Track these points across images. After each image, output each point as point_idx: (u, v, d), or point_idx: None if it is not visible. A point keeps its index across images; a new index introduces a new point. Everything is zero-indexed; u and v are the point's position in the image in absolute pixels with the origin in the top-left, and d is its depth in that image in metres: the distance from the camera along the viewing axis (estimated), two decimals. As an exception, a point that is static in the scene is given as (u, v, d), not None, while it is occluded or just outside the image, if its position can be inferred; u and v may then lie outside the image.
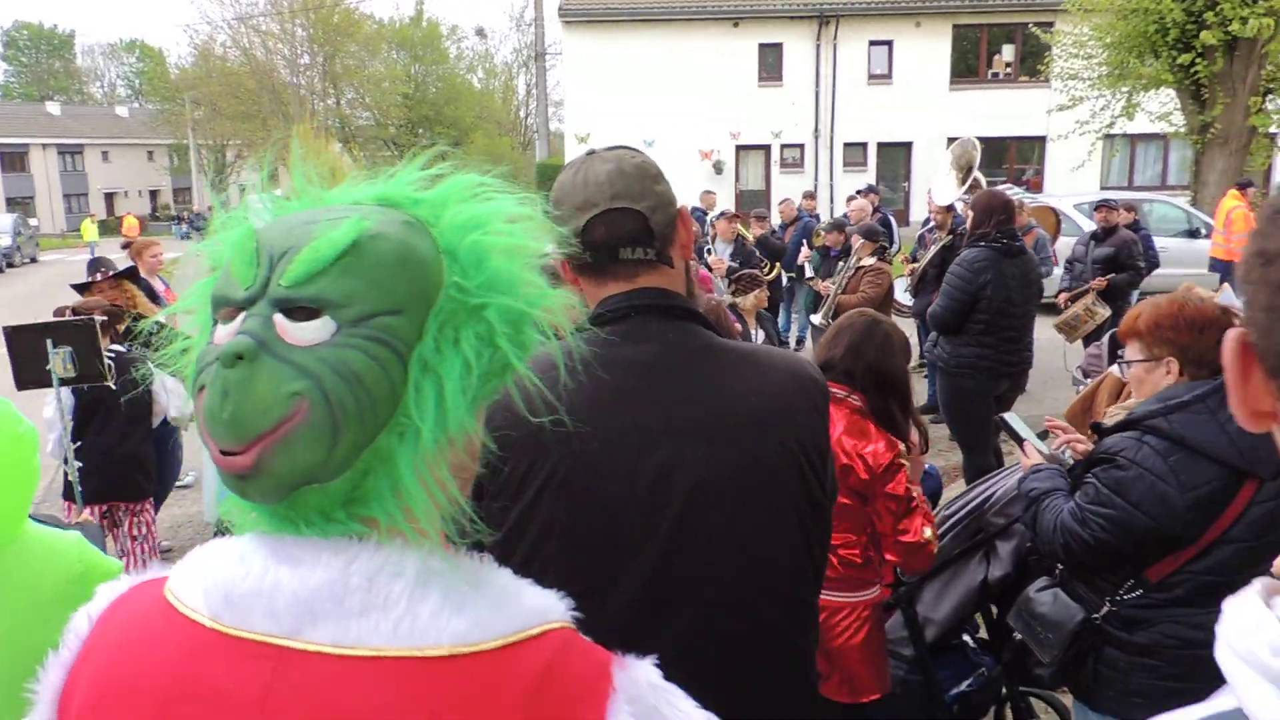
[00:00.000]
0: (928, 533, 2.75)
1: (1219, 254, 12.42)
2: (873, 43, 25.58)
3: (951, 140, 25.85)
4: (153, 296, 6.71)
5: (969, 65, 26.26)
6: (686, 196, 22.46)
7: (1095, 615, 2.42)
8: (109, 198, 58.49)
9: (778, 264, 10.78)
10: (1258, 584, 0.72)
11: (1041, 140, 22.75)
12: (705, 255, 9.90)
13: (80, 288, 5.26)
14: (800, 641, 1.66)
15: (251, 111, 48.38)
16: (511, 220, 0.96)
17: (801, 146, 26.21)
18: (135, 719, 0.82)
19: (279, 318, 0.81)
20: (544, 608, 0.91)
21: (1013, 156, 26.49)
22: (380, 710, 0.77)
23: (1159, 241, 13.84)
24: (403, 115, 55.67)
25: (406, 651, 0.78)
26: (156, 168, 61.28)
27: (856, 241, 7.99)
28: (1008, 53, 25.84)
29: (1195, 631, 2.28)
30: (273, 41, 49.99)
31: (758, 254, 10.28)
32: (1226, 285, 5.95)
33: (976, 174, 8.79)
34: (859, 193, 12.44)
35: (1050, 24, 21.31)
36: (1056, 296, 9.12)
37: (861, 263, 7.83)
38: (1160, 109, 19.02)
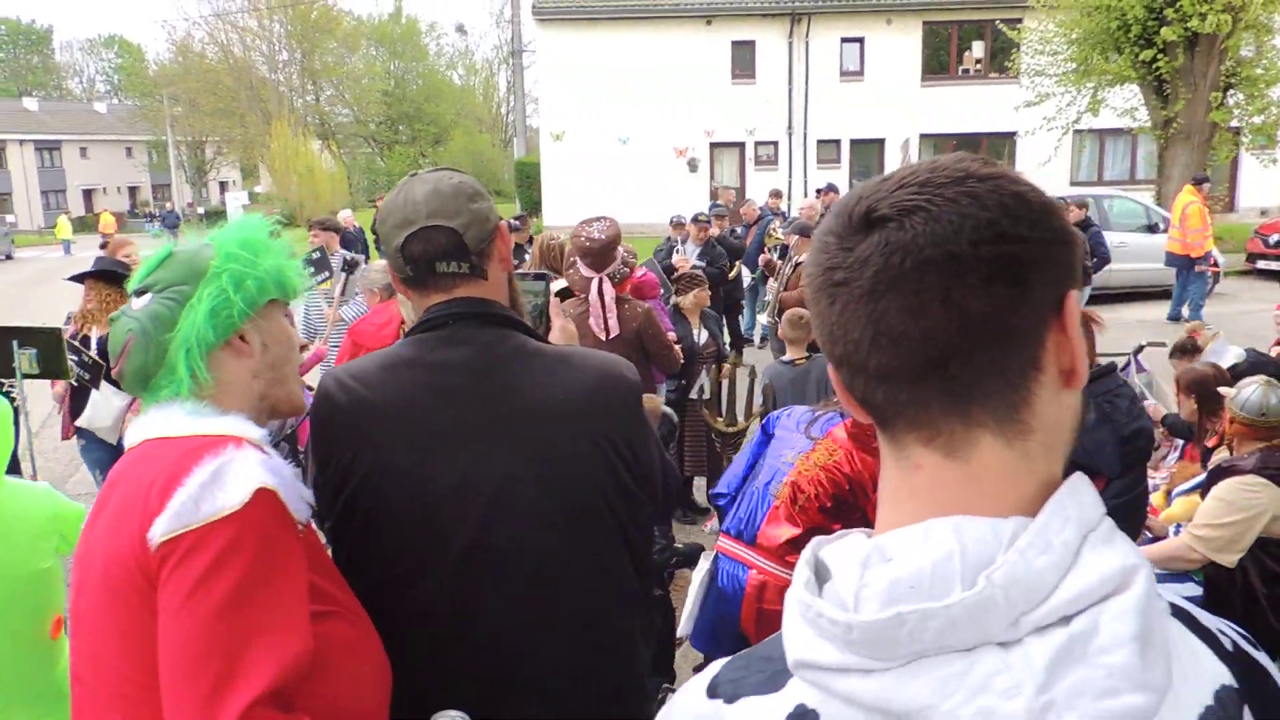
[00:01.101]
0: None
1: (1175, 249, 12.62)
2: (844, 40, 25.72)
3: (924, 136, 26.16)
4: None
5: (940, 62, 26.45)
6: (663, 193, 22.55)
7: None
8: (87, 194, 58.11)
9: (737, 262, 10.91)
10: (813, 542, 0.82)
11: (1012, 136, 22.99)
12: (675, 254, 10.04)
13: (78, 278, 5.49)
14: (619, 620, 1.81)
15: (230, 108, 48.24)
16: (258, 240, 1.58)
17: (775, 144, 26.35)
18: None
19: (133, 299, 1.53)
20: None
21: (984, 152, 26.58)
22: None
23: (1118, 236, 14.12)
24: (382, 112, 55.55)
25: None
26: (135, 164, 60.91)
27: (793, 239, 8.16)
28: (978, 49, 26.03)
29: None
30: (250, 38, 49.82)
31: (724, 254, 10.41)
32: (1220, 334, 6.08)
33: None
34: (818, 191, 12.58)
35: (1019, 20, 21.52)
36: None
37: (800, 259, 7.96)
38: (1125, 104, 19.28)
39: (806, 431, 3.06)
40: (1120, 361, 6.43)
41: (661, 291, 5.86)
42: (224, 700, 1.24)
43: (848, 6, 25.46)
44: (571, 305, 5.31)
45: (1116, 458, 2.38)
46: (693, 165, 26.22)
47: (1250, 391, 3.83)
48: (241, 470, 1.36)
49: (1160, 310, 12.77)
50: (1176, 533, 3.96)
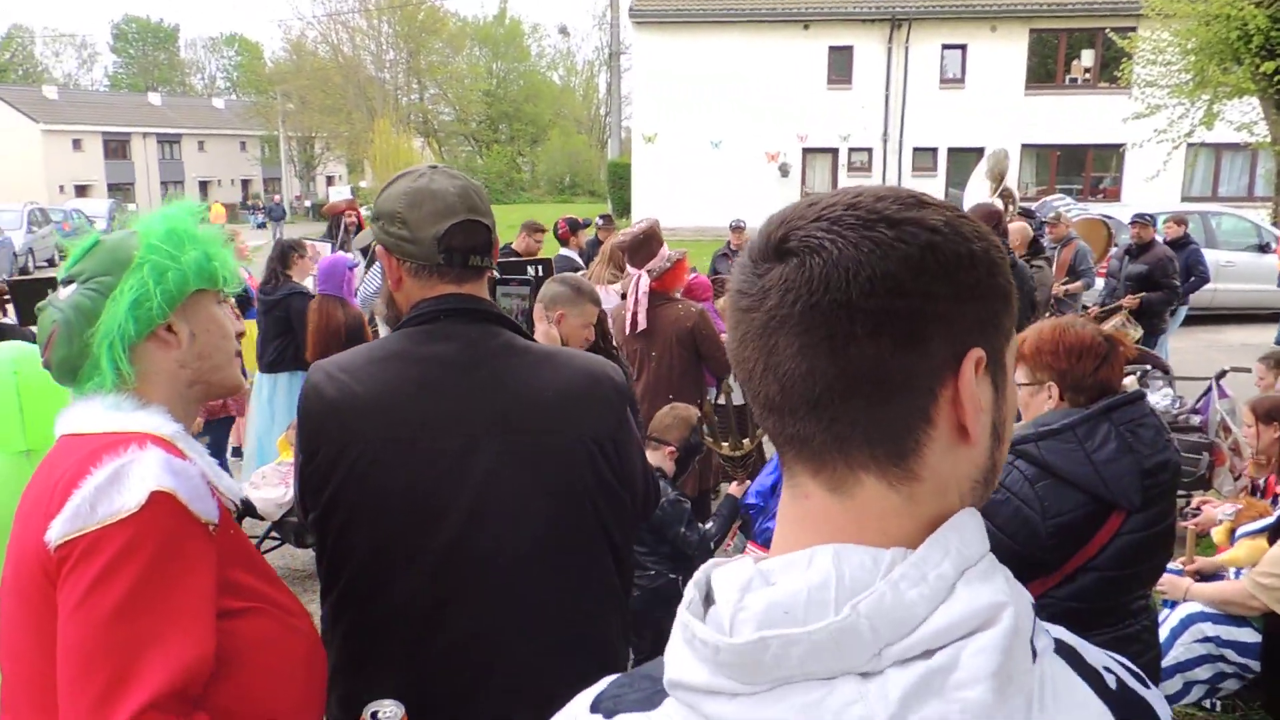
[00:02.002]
0: None
1: None
2: (946, 46, 25.11)
3: (1026, 146, 25.38)
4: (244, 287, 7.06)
5: (1046, 70, 25.59)
6: (753, 198, 22.38)
7: (967, 637, 2.43)
8: (203, 185, 60.64)
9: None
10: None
11: (1119, 148, 22.08)
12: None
13: None
14: (600, 620, 1.81)
15: (338, 105, 49.74)
16: (183, 230, 1.55)
17: (870, 150, 25.89)
18: None
19: (60, 288, 1.51)
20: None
21: (1090, 164, 25.75)
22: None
23: (1225, 255, 13.43)
24: (483, 111, 56.57)
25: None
26: (248, 158, 63.33)
27: None
28: (1087, 58, 25.10)
29: (1058, 658, 2.28)
30: (360, 37, 51.30)
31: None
32: None
33: (1007, 184, 8.66)
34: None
35: (1132, 29, 20.65)
36: (1088, 312, 8.91)
37: None
38: (1243, 118, 18.31)
39: None
40: (1201, 387, 6.08)
41: (712, 299, 5.78)
42: (113, 706, 1.23)
43: (950, 13, 24.86)
44: (619, 306, 5.30)
45: (1137, 490, 2.20)
46: (784, 170, 25.95)
47: None
48: (140, 472, 1.34)
49: (1268, 334, 12.05)
50: (1237, 575, 3.70)
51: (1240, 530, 4.00)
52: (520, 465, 1.69)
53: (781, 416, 0.74)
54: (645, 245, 5.10)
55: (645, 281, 5.16)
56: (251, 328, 7.02)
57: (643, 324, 5.14)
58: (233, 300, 1.70)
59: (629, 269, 5.36)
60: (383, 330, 5.76)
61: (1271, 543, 3.57)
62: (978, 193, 8.84)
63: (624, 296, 5.44)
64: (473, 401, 1.69)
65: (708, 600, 0.75)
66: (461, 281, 1.75)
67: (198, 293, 1.55)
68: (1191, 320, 12.94)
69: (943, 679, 0.65)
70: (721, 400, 5.24)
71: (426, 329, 1.73)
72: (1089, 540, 2.24)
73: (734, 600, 0.71)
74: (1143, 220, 8.91)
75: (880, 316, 0.69)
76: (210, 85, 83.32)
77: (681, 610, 0.73)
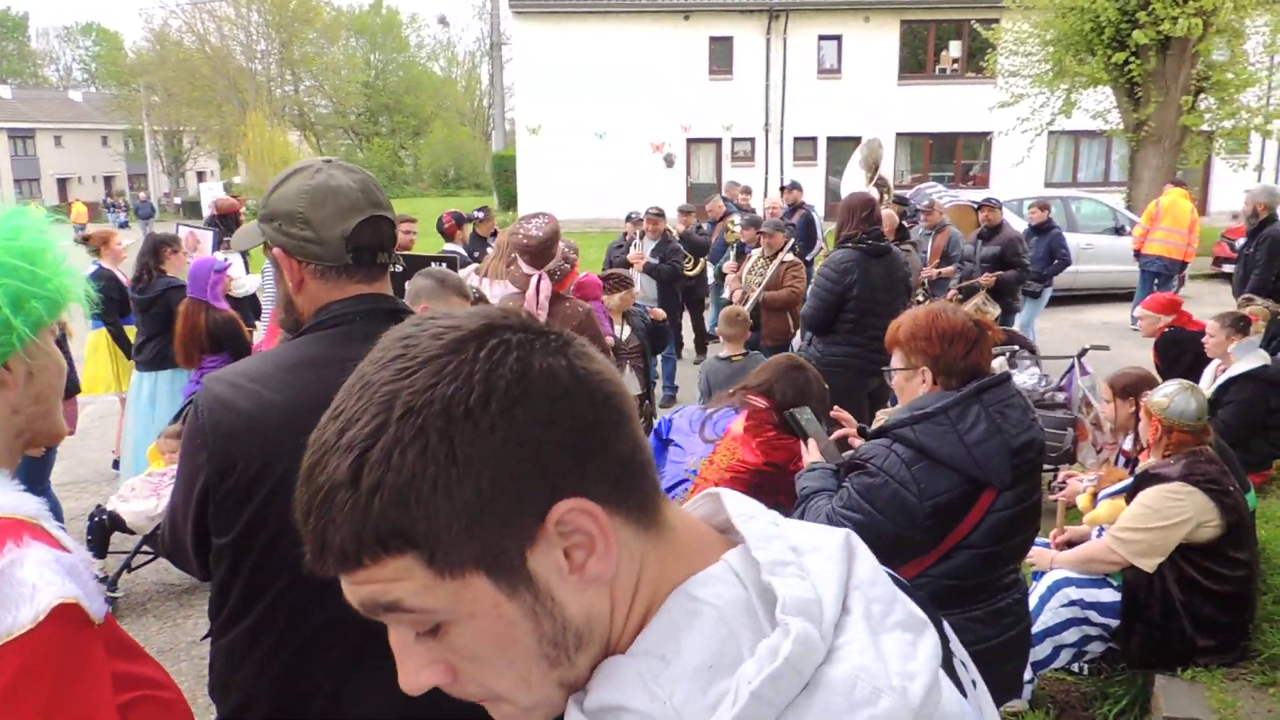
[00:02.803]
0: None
1: (1168, 252, 12.21)
2: (822, 37, 25.70)
3: (900, 135, 26.18)
4: (121, 290, 6.67)
5: (917, 60, 26.46)
6: (639, 189, 22.43)
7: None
8: (62, 183, 57.44)
9: (702, 259, 10.83)
10: None
11: (987, 136, 23.03)
12: (632, 250, 9.94)
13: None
14: None
15: (206, 97, 47.77)
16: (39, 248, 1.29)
17: (752, 140, 26.31)
18: None
19: None
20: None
21: (960, 152, 26.76)
22: None
23: (1085, 238, 14.13)
24: (362, 103, 55.16)
25: None
26: (111, 153, 60.28)
27: (777, 239, 8.06)
28: (955, 49, 26.06)
29: (937, 633, 2.36)
30: (228, 26, 49.34)
31: (682, 250, 10.33)
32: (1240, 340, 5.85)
33: (882, 173, 8.93)
34: (781, 189, 12.51)
35: (995, 20, 21.51)
36: (947, 296, 9.30)
37: (787, 258, 7.97)
38: (1098, 106, 19.31)
39: (701, 434, 2.98)
40: (1065, 365, 6.39)
41: (603, 297, 5.80)
42: None
43: (826, 4, 25.44)
44: (514, 301, 5.25)
45: (1007, 469, 2.30)
46: (669, 161, 26.13)
47: (1181, 399, 3.78)
48: (30, 579, 1.14)
49: (1123, 313, 12.77)
50: (1099, 535, 3.92)
51: (1102, 493, 4.23)
52: None
53: None
54: (550, 247, 5.06)
55: (547, 285, 5.10)
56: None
57: (544, 326, 5.10)
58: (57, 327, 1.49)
59: (524, 268, 5.31)
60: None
61: (1129, 502, 3.79)
62: (854, 182, 9.08)
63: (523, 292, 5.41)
64: None
65: None
66: (371, 280, 1.68)
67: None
68: (1055, 301, 13.57)
69: None
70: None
71: (343, 330, 1.64)
72: (963, 519, 2.33)
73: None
74: (990, 204, 9.35)
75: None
76: (66, 77, 78.84)
77: None
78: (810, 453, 2.77)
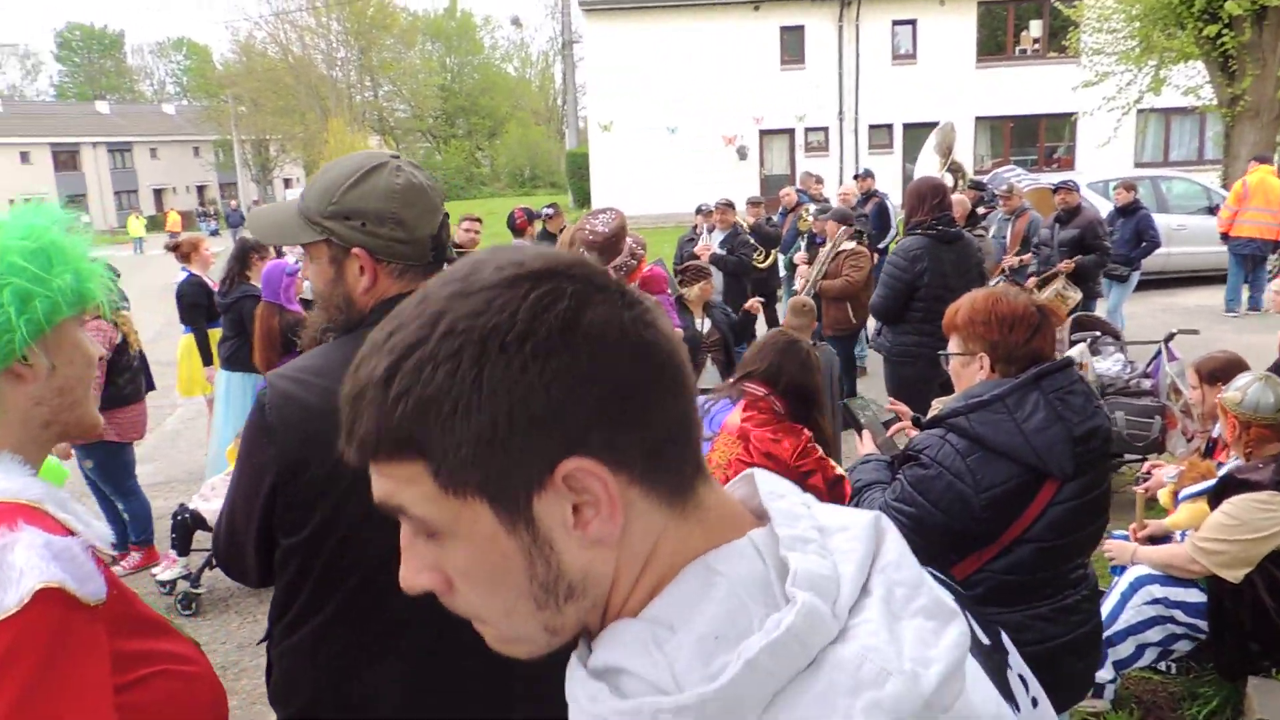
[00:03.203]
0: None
1: (1259, 232, 11.63)
2: (896, 22, 25.17)
3: (980, 119, 25.50)
4: (209, 295, 6.94)
5: (996, 42, 25.74)
6: (712, 182, 22.35)
7: (908, 613, 2.40)
8: (158, 194, 59.73)
9: (773, 251, 10.69)
10: None
11: (1070, 117, 22.27)
12: (701, 242, 9.87)
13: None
14: None
15: (290, 106, 49.11)
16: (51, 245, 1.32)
17: (826, 129, 25.93)
18: None
19: None
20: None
21: (1043, 134, 25.95)
22: None
23: (1177, 219, 13.56)
24: (438, 106, 56.05)
25: None
26: (202, 163, 62.44)
27: (825, 225, 7.96)
28: (1035, 28, 25.26)
29: (998, 631, 2.26)
30: (309, 36, 50.63)
31: (751, 241, 10.21)
32: None
33: (955, 157, 8.68)
34: (855, 177, 12.27)
35: (1077, -3, 20.79)
36: (1026, 284, 8.99)
37: (841, 247, 7.80)
38: (1189, 82, 18.50)
39: None
40: (1150, 350, 6.12)
41: (669, 290, 5.73)
42: None
43: (899, -12, 24.93)
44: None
45: (1069, 458, 2.18)
46: (741, 153, 25.93)
47: (1256, 392, 3.56)
48: (18, 563, 1.17)
49: (1218, 296, 12.21)
50: (1183, 538, 3.71)
51: (1183, 493, 4.01)
52: None
53: None
54: (616, 242, 5.04)
55: (614, 280, 5.10)
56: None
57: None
58: (106, 315, 1.54)
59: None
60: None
61: (1213, 506, 3.58)
62: (927, 167, 8.86)
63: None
64: None
65: None
66: (429, 275, 1.63)
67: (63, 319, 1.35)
68: (1145, 284, 13.05)
69: None
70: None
71: None
72: (1023, 511, 2.22)
73: None
74: (1067, 186, 9.00)
75: None
76: (160, 91, 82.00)
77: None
78: (865, 444, 2.68)
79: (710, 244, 9.64)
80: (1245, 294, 11.81)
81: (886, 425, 2.79)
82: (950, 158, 8.68)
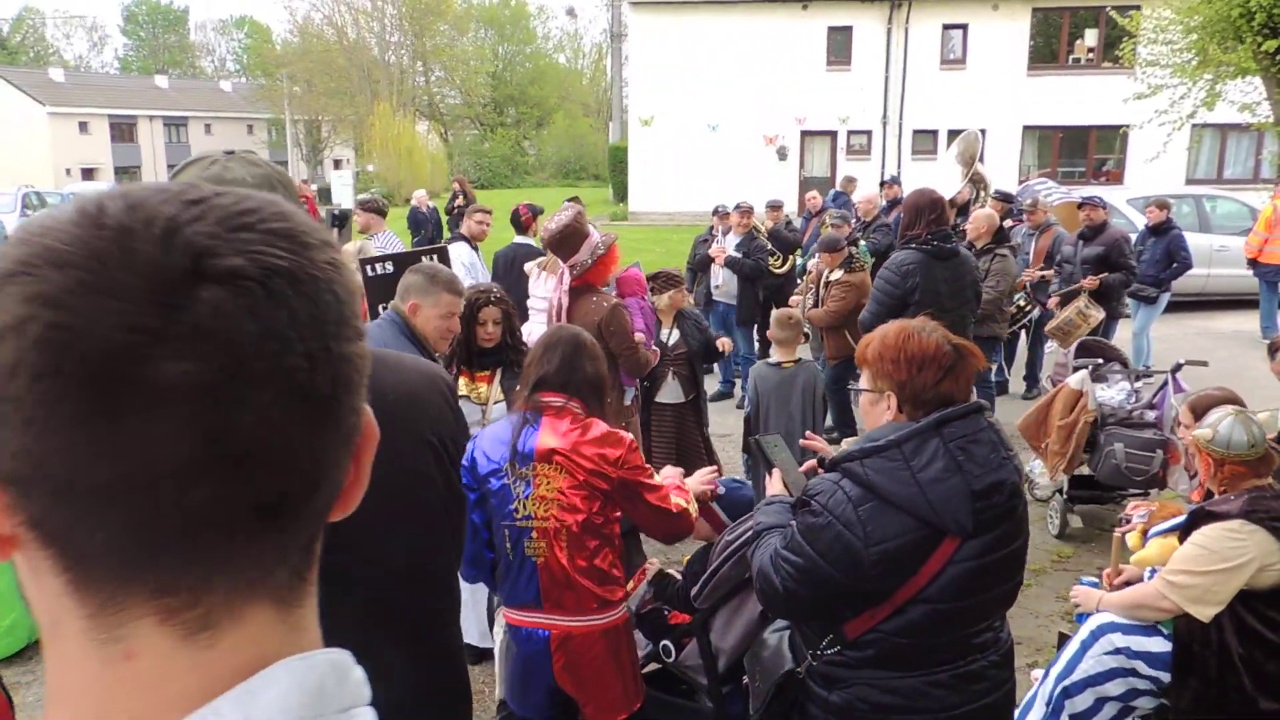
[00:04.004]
0: (679, 501, 2.88)
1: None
2: (947, 26, 24.65)
3: (1028, 128, 24.93)
4: None
5: (1050, 50, 25.11)
6: (751, 182, 22.12)
7: (799, 669, 2.23)
8: (210, 169, 60.66)
9: (791, 256, 10.47)
10: None
11: (1120, 130, 21.65)
12: (715, 245, 9.69)
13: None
14: (451, 629, 1.90)
15: (342, 88, 49.54)
16: None
17: (869, 133, 25.51)
18: None
19: None
20: None
21: (1092, 146, 25.29)
22: None
23: (1219, 240, 13.09)
24: (487, 94, 56.21)
25: None
26: (255, 141, 63.18)
27: (823, 258, 7.54)
28: (1090, 38, 24.60)
29: (887, 696, 2.08)
30: (364, 19, 51.00)
31: (769, 246, 10.00)
32: None
33: (978, 166, 8.37)
34: (881, 184, 11.99)
35: (1134, 7, 20.19)
36: (1049, 302, 8.68)
37: (834, 277, 7.43)
38: (1245, 98, 17.88)
39: (512, 470, 2.72)
40: (1157, 381, 5.83)
41: (647, 296, 5.54)
42: None
43: (951, -9, 24.42)
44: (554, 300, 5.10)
45: (967, 514, 1.99)
46: (782, 154, 25.60)
47: (1228, 429, 3.35)
48: None
49: (1256, 320, 11.75)
50: (1151, 578, 3.50)
51: (1152, 530, 3.79)
52: (377, 475, 1.51)
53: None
54: (568, 240, 4.89)
55: (567, 277, 4.96)
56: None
57: (563, 320, 4.94)
58: None
59: (559, 262, 5.17)
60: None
61: (1183, 541, 3.37)
62: (948, 177, 8.56)
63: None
64: None
65: None
66: None
67: None
68: (1182, 306, 12.63)
69: None
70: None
71: None
72: (918, 569, 2.03)
73: None
74: (1093, 202, 8.64)
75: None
76: (220, 68, 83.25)
77: None
78: (773, 484, 2.50)
79: (725, 246, 9.45)
80: (1282, 321, 11.37)
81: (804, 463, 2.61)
82: (974, 168, 8.36)
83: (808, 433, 2.78)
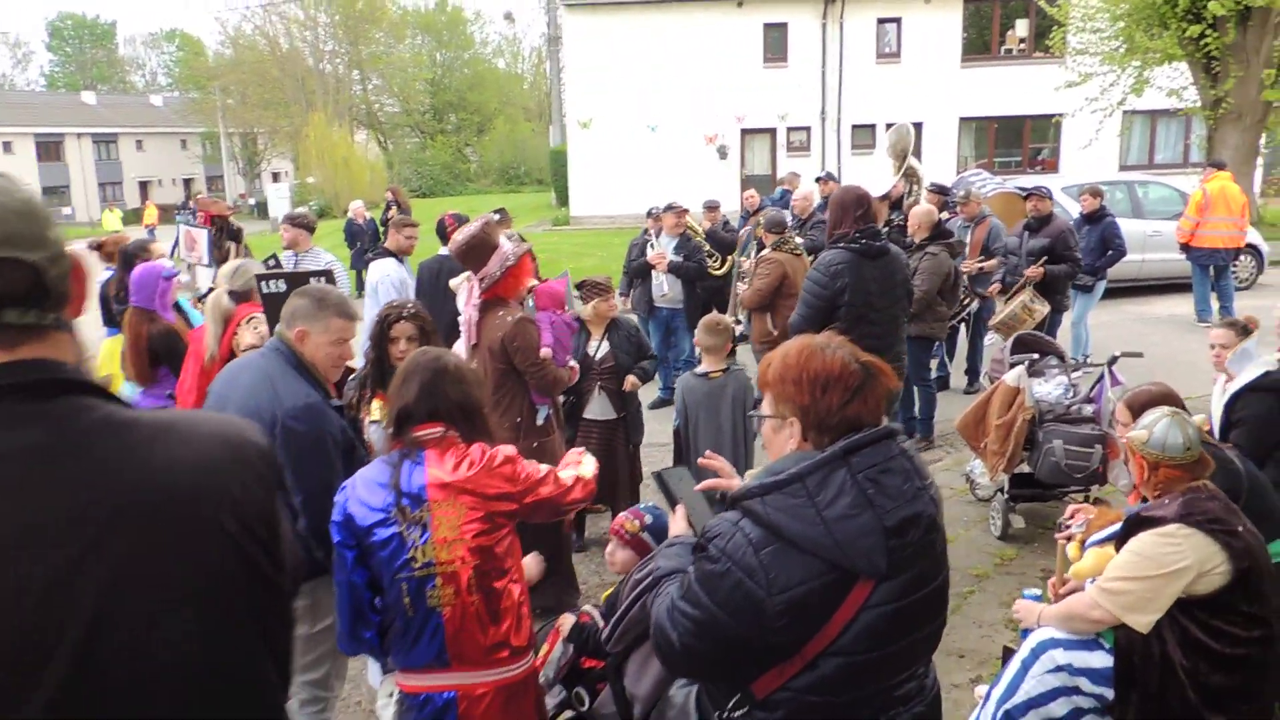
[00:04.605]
0: (566, 476, 2.78)
1: (1225, 242, 11.33)
2: (881, 20, 24.74)
3: (964, 119, 25.12)
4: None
5: (983, 41, 25.32)
6: (693, 182, 21.97)
7: (707, 730, 2.01)
8: (143, 186, 59.20)
9: (729, 257, 10.29)
10: None
11: (1054, 118, 21.87)
12: (649, 249, 9.47)
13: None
14: None
15: (277, 99, 48.58)
16: None
17: (808, 129, 25.50)
18: None
19: None
20: None
21: (1027, 135, 25.54)
22: None
23: (1152, 225, 13.17)
24: (426, 101, 55.52)
25: None
26: (190, 156, 61.85)
27: (768, 237, 7.54)
28: (1021, 28, 24.85)
29: (801, 760, 1.86)
30: (297, 28, 50.08)
31: (706, 246, 9.81)
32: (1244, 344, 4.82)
33: (911, 160, 8.23)
34: (817, 180, 11.87)
35: (1063, -3, 20.40)
36: (990, 291, 8.60)
37: (766, 251, 7.43)
38: (1172, 84, 18.14)
39: (400, 515, 2.49)
40: (1094, 374, 5.73)
41: (568, 308, 5.27)
42: None
43: (883, -15, 24.51)
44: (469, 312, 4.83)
45: (880, 553, 1.79)
46: (722, 152, 25.50)
47: (1163, 430, 3.21)
48: None
49: (1191, 304, 11.81)
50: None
51: (1090, 540, 3.64)
52: (150, 579, 1.21)
53: None
54: (475, 251, 4.63)
55: (475, 291, 4.71)
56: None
57: (473, 336, 4.69)
58: None
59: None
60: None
61: (1119, 549, 3.22)
62: (881, 171, 8.43)
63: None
64: (69, 502, 1.20)
65: None
66: (14, 346, 1.24)
67: None
68: (1119, 292, 12.68)
69: None
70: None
71: None
72: (829, 617, 1.82)
73: None
74: (1039, 193, 8.58)
75: None
76: (151, 82, 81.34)
77: None
78: (676, 522, 2.27)
79: (664, 250, 9.23)
80: (1215, 303, 11.44)
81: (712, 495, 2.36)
82: (905, 161, 8.22)
83: (708, 452, 2.53)
